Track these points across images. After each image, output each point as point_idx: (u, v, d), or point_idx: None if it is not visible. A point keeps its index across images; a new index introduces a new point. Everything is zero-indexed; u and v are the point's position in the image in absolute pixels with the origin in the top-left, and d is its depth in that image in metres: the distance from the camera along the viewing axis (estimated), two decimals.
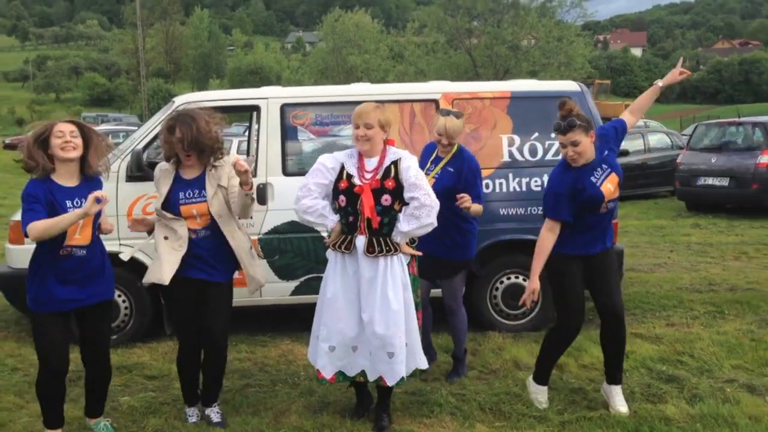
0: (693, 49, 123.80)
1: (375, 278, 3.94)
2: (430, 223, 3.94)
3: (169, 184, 4.04)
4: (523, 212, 5.85)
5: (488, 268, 5.92)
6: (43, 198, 3.65)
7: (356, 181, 3.93)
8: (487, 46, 42.68)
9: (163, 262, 3.97)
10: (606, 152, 4.15)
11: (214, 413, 4.26)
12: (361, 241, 3.95)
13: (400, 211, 3.97)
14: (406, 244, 4.04)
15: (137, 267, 5.59)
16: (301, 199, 4.01)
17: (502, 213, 5.82)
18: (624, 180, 4.26)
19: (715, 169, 12.66)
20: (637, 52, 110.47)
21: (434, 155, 4.82)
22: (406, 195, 3.93)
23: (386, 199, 3.92)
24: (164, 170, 4.11)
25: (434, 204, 3.93)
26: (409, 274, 4.07)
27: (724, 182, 12.48)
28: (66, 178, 3.77)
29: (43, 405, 3.90)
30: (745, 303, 6.60)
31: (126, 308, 5.74)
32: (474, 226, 4.84)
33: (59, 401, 3.93)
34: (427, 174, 4.68)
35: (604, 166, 4.12)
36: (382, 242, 3.93)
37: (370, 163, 3.97)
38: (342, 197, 3.95)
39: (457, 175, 4.66)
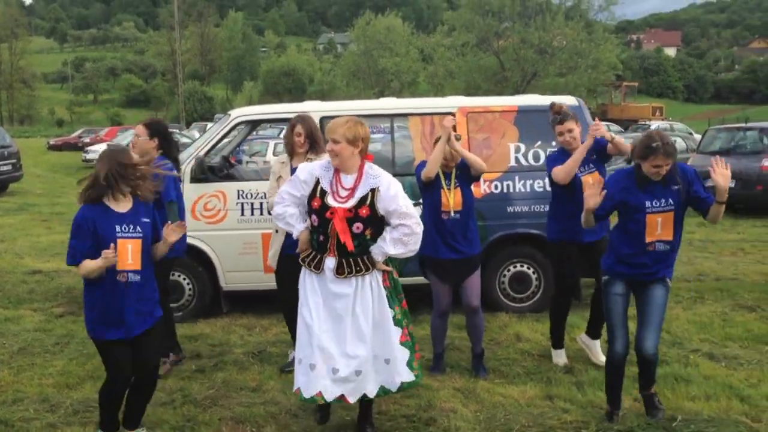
0: (728, 48, 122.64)
1: (346, 298, 3.94)
2: (415, 250, 4.05)
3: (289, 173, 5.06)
4: (527, 210, 6.76)
5: (497, 257, 6.86)
6: (87, 228, 3.77)
7: (330, 201, 3.92)
8: (515, 49, 43.31)
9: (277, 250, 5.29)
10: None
11: None
12: (331, 262, 3.96)
13: (371, 237, 3.96)
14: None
15: (199, 254, 6.66)
16: (274, 206, 4.18)
17: (509, 210, 6.76)
18: None
19: None
20: (671, 51, 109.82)
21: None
22: (394, 221, 3.95)
23: (358, 227, 3.91)
24: (282, 162, 5.32)
25: (421, 232, 4.03)
26: (385, 288, 4.04)
27: (731, 184, 13.18)
28: (120, 203, 3.87)
29: (105, 411, 4.09)
30: (725, 290, 7.41)
31: (190, 290, 6.80)
32: None
33: (118, 408, 4.14)
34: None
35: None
36: (352, 263, 3.95)
37: (347, 181, 3.97)
38: (314, 217, 3.98)
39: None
